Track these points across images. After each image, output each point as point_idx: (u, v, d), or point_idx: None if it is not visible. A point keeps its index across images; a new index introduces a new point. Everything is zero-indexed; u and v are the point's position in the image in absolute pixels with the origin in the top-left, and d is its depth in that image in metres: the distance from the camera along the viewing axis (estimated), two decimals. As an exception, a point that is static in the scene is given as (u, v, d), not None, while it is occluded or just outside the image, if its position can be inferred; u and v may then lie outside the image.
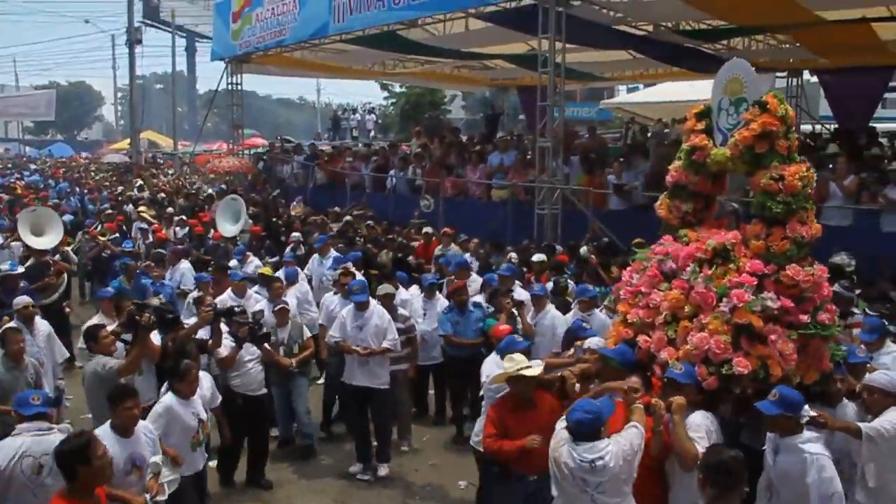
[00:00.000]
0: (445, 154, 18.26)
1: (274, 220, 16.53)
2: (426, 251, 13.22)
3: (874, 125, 17.59)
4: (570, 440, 4.88)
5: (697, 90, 22.51)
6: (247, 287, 10.16)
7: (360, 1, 16.83)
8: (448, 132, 22.08)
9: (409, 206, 16.71)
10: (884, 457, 5.24)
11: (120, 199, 21.94)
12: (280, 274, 10.70)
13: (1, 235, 14.50)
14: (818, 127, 20.32)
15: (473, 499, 7.95)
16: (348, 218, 15.72)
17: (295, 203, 19.19)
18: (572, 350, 7.08)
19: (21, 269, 10.84)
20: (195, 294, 10.34)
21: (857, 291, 8.51)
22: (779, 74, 20.59)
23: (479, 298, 9.76)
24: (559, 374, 6.03)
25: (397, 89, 40.96)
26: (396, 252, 12.88)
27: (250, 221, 15.61)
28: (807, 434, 4.83)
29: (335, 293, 10.04)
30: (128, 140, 42.97)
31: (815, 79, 20.80)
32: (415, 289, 10.57)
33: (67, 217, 17.40)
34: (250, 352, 8.25)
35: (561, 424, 5.07)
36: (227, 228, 14.86)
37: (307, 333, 9.24)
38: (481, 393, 7.04)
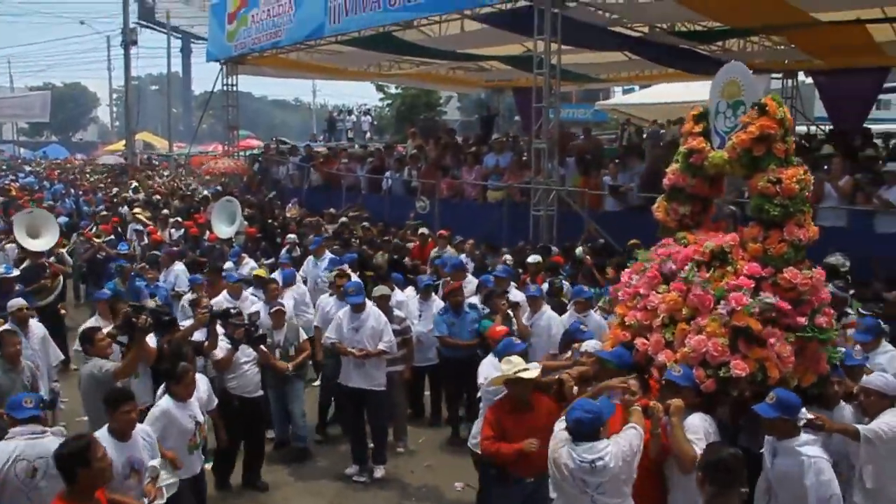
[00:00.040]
0: (441, 155, 18.26)
1: (269, 221, 16.52)
2: (422, 252, 13.22)
3: (869, 126, 17.62)
4: (569, 441, 4.89)
5: (693, 91, 22.54)
6: (242, 289, 10.16)
7: (356, 2, 16.83)
8: (444, 133, 22.09)
9: (404, 207, 16.69)
10: (882, 459, 5.25)
11: (115, 200, 21.92)
12: (276, 275, 10.69)
13: (-4, 238, 14.49)
14: (813, 128, 20.35)
15: (469, 501, 7.97)
16: (344, 219, 15.72)
17: (290, 205, 19.18)
18: (570, 352, 7.08)
19: (16, 272, 10.81)
20: (189, 296, 10.34)
21: (851, 292, 8.54)
22: (774, 76, 20.62)
23: (475, 300, 9.76)
24: (557, 376, 6.03)
25: (393, 91, 40.94)
26: (392, 254, 12.88)
27: (246, 223, 15.61)
28: (804, 437, 4.84)
29: (331, 295, 10.03)
30: (123, 141, 42.97)
31: (809, 80, 20.83)
32: (410, 290, 10.57)
33: (62, 219, 17.34)
34: (246, 354, 8.23)
35: (559, 426, 5.07)
36: (223, 230, 14.86)
37: (303, 336, 9.23)
38: (479, 395, 7.05)
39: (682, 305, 5.68)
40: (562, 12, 13.19)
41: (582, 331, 7.53)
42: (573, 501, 4.93)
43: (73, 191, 26.68)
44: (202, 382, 6.95)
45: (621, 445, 4.84)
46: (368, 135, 36.39)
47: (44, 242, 12.86)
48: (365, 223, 15.72)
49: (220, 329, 8.08)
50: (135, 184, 26.02)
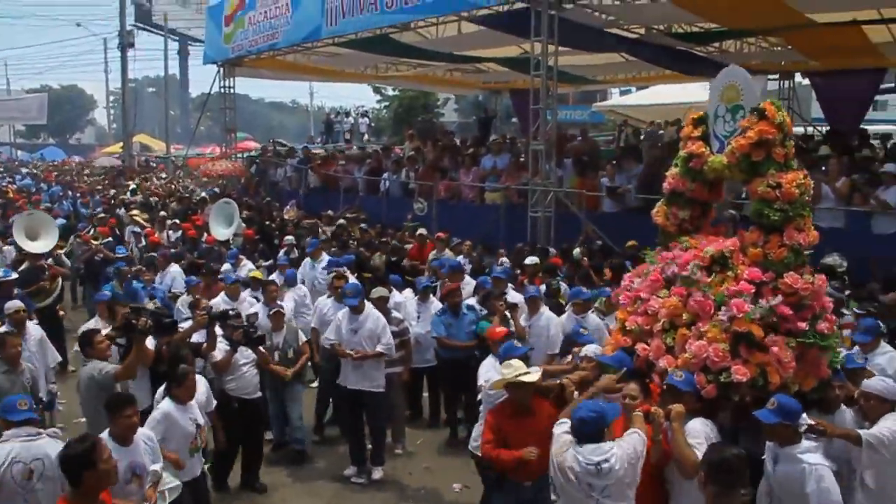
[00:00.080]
0: (439, 157, 18.27)
1: (267, 223, 16.52)
2: (421, 253, 13.22)
3: (865, 127, 17.66)
4: (573, 443, 4.89)
5: (689, 93, 22.66)
6: (240, 290, 10.16)
7: (353, 4, 16.84)
8: (442, 135, 22.10)
9: (402, 209, 16.71)
10: (885, 463, 5.25)
11: (112, 202, 21.90)
12: (276, 276, 10.70)
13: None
14: (810, 129, 20.38)
15: (467, 502, 7.97)
16: (341, 221, 15.72)
17: (288, 206, 19.20)
18: (570, 357, 7.09)
19: (15, 275, 10.81)
20: (185, 298, 10.35)
21: (847, 292, 8.55)
22: (770, 77, 20.65)
23: (473, 301, 9.77)
24: (558, 381, 6.03)
25: (390, 92, 40.95)
26: (390, 255, 12.89)
27: (243, 225, 15.62)
28: (805, 444, 4.84)
29: (329, 296, 10.03)
30: (120, 143, 42.93)
31: (806, 81, 20.88)
32: (408, 292, 10.57)
33: (60, 221, 17.32)
34: (245, 355, 8.23)
35: (560, 429, 5.07)
36: (221, 232, 14.86)
37: (302, 338, 9.22)
38: (479, 397, 7.05)
39: (682, 311, 5.68)
40: (559, 14, 13.21)
41: (582, 333, 7.54)
42: None
43: (70, 193, 26.62)
44: (201, 384, 6.94)
45: (626, 448, 4.84)
46: (366, 136, 36.41)
47: (43, 244, 12.86)
48: (363, 225, 15.73)
49: (218, 331, 8.08)
50: (133, 185, 25.98)
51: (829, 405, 5.65)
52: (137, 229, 16.81)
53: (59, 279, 12.50)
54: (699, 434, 5.07)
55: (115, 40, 38.43)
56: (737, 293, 5.44)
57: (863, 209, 11.08)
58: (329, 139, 33.87)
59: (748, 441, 5.32)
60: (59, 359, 9.48)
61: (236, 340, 8.09)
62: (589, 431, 4.84)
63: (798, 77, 20.77)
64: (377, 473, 8.63)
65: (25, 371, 7.40)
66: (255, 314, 9.11)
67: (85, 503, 4.45)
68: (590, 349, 6.57)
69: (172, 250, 14.12)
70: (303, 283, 11.74)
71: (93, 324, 8.63)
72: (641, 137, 20.27)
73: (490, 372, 6.72)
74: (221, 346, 8.07)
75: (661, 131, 19.98)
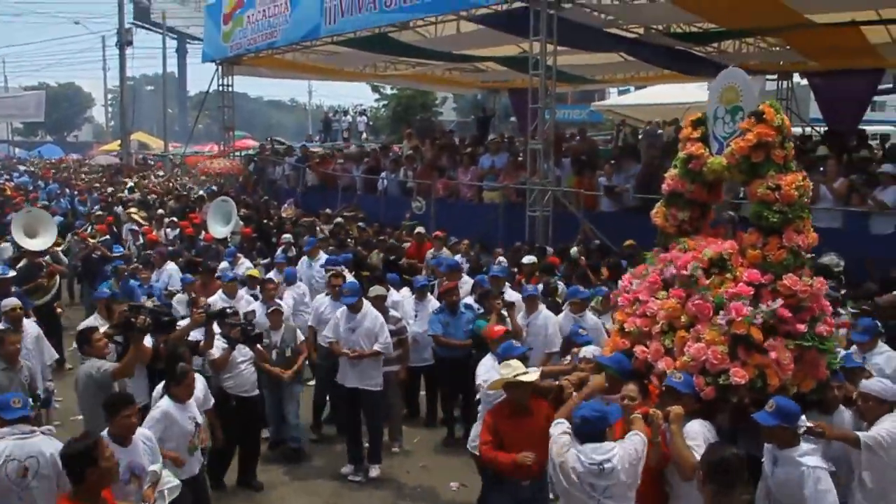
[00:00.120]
0: (437, 156, 18.27)
1: (265, 221, 16.51)
2: (418, 252, 13.22)
3: (863, 128, 17.68)
4: (574, 443, 4.89)
5: (688, 93, 22.70)
6: (237, 288, 10.16)
7: (352, 3, 16.82)
8: (441, 134, 22.09)
9: (400, 207, 16.71)
10: (882, 465, 5.26)
11: (110, 200, 21.88)
12: (273, 274, 10.70)
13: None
14: (808, 129, 20.40)
15: (464, 500, 7.99)
16: (339, 220, 15.71)
17: (286, 205, 19.18)
18: (569, 357, 7.09)
19: (12, 273, 10.80)
20: (181, 296, 10.34)
21: (842, 291, 8.56)
22: (769, 77, 20.70)
23: (470, 300, 9.77)
24: (557, 382, 6.02)
25: (388, 91, 40.96)
26: (387, 254, 12.89)
27: (241, 223, 15.61)
28: (804, 446, 4.84)
29: (326, 295, 10.03)
30: (118, 141, 42.87)
31: (805, 81, 20.89)
32: (406, 290, 10.57)
33: (57, 219, 17.31)
34: (243, 353, 8.23)
35: (558, 429, 5.06)
36: (218, 230, 14.86)
37: (300, 337, 9.22)
38: (478, 397, 7.06)
39: (680, 313, 5.68)
40: (557, 13, 13.20)
41: (580, 334, 7.54)
42: None
43: (68, 191, 26.59)
44: (199, 382, 6.93)
45: (627, 449, 4.84)
46: (364, 135, 36.45)
47: (41, 242, 12.86)
48: (361, 223, 15.72)
49: (216, 329, 8.08)
50: (131, 183, 25.96)
51: (828, 406, 5.67)
52: (135, 227, 16.78)
53: (57, 277, 12.50)
54: (698, 436, 5.08)
55: (114, 38, 38.42)
56: (735, 295, 5.44)
57: (860, 209, 11.09)
58: (327, 138, 33.91)
59: (747, 442, 5.32)
60: (56, 356, 9.48)
61: (234, 338, 8.09)
62: (591, 431, 4.84)
63: (797, 77, 20.79)
64: (374, 472, 8.63)
65: (24, 368, 7.40)
66: (253, 312, 9.12)
67: (87, 501, 4.44)
68: (588, 350, 6.58)
69: (170, 248, 14.11)
70: (300, 281, 11.73)
71: (91, 321, 8.63)
72: (640, 137, 20.27)
73: (489, 372, 6.71)
74: (219, 344, 8.07)
75: (660, 130, 19.97)
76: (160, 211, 18.46)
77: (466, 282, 10.56)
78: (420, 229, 13.84)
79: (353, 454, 8.71)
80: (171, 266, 12.37)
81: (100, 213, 18.08)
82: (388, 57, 21.44)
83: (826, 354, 5.53)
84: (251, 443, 8.40)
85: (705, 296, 5.56)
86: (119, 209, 19.68)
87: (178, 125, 58.39)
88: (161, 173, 31.97)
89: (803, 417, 4.97)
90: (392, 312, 9.23)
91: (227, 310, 8.45)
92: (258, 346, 8.45)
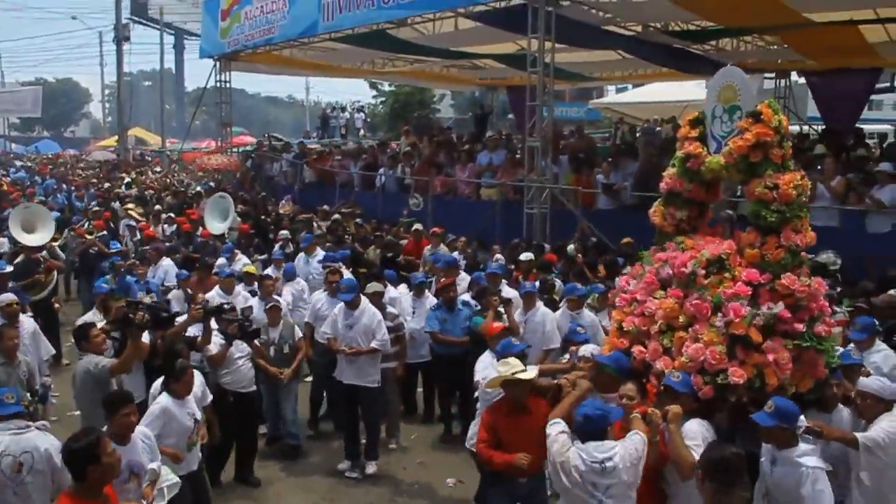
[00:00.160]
0: (435, 153, 18.27)
1: (262, 218, 16.51)
2: (416, 249, 13.22)
3: (861, 126, 17.70)
4: (575, 441, 4.89)
5: (686, 91, 22.72)
6: (234, 284, 10.15)
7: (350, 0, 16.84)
8: (438, 131, 22.08)
9: (398, 204, 16.71)
10: (881, 466, 5.28)
11: (107, 196, 21.85)
12: (271, 270, 10.69)
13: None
14: (806, 128, 20.42)
15: (461, 497, 8.00)
16: (337, 216, 15.70)
17: (283, 201, 19.16)
18: (567, 356, 7.10)
19: (10, 268, 10.80)
20: (176, 292, 10.33)
21: (838, 289, 8.58)
22: (767, 75, 20.69)
23: (467, 297, 9.77)
24: (555, 381, 6.03)
25: (386, 88, 40.94)
26: (384, 250, 12.89)
27: (238, 219, 15.59)
28: (803, 447, 4.84)
29: (324, 291, 10.03)
30: (115, 137, 42.84)
31: (802, 80, 20.89)
32: (403, 287, 10.57)
33: (54, 214, 17.29)
34: (240, 349, 8.23)
35: (555, 429, 5.06)
36: (216, 226, 14.83)
37: (299, 334, 9.21)
38: (476, 394, 7.06)
39: (678, 313, 5.67)
40: (555, 11, 13.21)
41: (578, 332, 7.55)
42: None
43: (65, 186, 26.53)
44: (196, 378, 6.92)
45: (628, 448, 4.84)
46: (362, 132, 36.40)
47: (39, 237, 12.84)
48: (358, 220, 15.72)
49: (213, 325, 8.07)
50: (128, 179, 25.93)
51: (827, 404, 5.67)
52: (132, 223, 16.77)
53: (55, 272, 12.49)
54: (696, 435, 5.07)
55: (111, 34, 38.31)
56: (734, 296, 5.43)
57: (857, 208, 11.10)
58: (325, 134, 33.82)
59: (745, 442, 5.32)
60: (53, 351, 9.49)
61: (231, 334, 8.08)
62: (593, 429, 4.84)
63: (794, 76, 20.81)
64: (371, 468, 8.64)
65: (22, 364, 7.41)
66: (250, 307, 9.09)
67: (89, 497, 4.43)
68: (587, 349, 6.57)
69: (167, 244, 14.10)
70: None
71: (90, 317, 8.62)
72: (637, 135, 20.28)
73: (487, 369, 6.72)
74: (216, 340, 8.06)
75: (658, 128, 19.98)
76: (157, 207, 18.46)
77: (464, 279, 10.57)
78: (418, 226, 13.83)
79: (351, 450, 8.71)
80: (166, 262, 12.36)
81: (97, 208, 18.05)
82: (386, 54, 21.46)
83: (824, 354, 5.53)
84: (248, 439, 8.40)
85: (703, 296, 5.55)
86: (116, 205, 19.65)
87: (175, 121, 58.28)
88: (158, 169, 31.94)
89: (802, 418, 4.97)
90: (389, 309, 9.22)
91: (225, 306, 8.44)
92: (255, 342, 8.45)
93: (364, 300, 8.67)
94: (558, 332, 8.68)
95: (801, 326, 5.36)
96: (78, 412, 7.03)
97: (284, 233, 13.96)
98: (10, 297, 8.74)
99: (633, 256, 7.62)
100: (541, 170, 13.79)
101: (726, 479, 4.33)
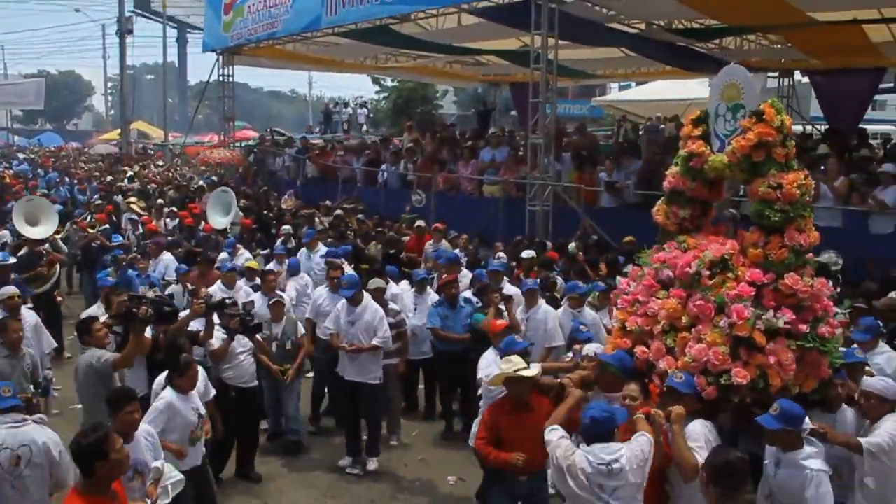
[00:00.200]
0: (437, 149, 18.25)
1: (265, 212, 16.50)
2: (418, 245, 13.22)
3: (864, 127, 17.68)
4: (581, 444, 4.88)
5: (689, 89, 22.70)
6: (236, 278, 10.16)
7: (353, -6, 16.82)
8: (441, 127, 22.06)
9: (400, 200, 16.70)
10: (886, 469, 5.27)
11: (110, 189, 21.85)
12: (272, 266, 10.69)
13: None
14: (809, 128, 20.40)
15: (462, 494, 8.01)
16: (339, 212, 15.70)
17: (286, 196, 19.15)
18: (570, 354, 7.10)
19: (13, 260, 10.81)
20: (175, 287, 10.33)
21: (838, 290, 8.56)
22: (770, 74, 20.69)
23: (469, 294, 9.78)
24: (559, 380, 6.03)
25: (389, 83, 40.86)
26: (386, 246, 12.89)
27: (241, 214, 15.60)
28: (808, 449, 4.84)
29: (326, 287, 10.03)
30: (118, 130, 42.79)
31: (806, 79, 20.89)
32: (405, 283, 10.57)
33: (57, 207, 17.31)
34: (242, 344, 8.23)
35: (555, 435, 5.04)
36: (218, 220, 14.84)
37: (301, 330, 9.21)
38: (479, 392, 7.07)
39: (682, 313, 5.66)
40: (559, 7, 13.20)
41: (581, 331, 7.55)
42: None
43: (67, 179, 26.55)
44: (199, 373, 6.93)
45: (634, 450, 4.83)
46: (364, 127, 36.35)
47: (42, 230, 12.86)
48: (360, 216, 15.72)
49: (215, 319, 8.08)
50: (130, 172, 25.92)
51: (831, 405, 5.66)
52: (135, 217, 16.76)
53: (57, 266, 12.50)
54: (699, 437, 5.07)
55: (114, 26, 38.34)
56: (737, 297, 5.42)
57: (860, 209, 11.09)
58: (327, 129, 33.80)
59: (748, 442, 5.32)
60: (55, 345, 9.49)
61: (233, 329, 8.09)
62: (600, 431, 4.82)
63: (798, 75, 20.78)
64: (372, 465, 8.65)
65: (26, 356, 7.41)
66: (252, 302, 9.11)
67: (97, 493, 4.42)
68: (591, 348, 6.57)
69: (169, 238, 14.11)
70: (300, 272, 11.73)
71: (94, 310, 8.63)
72: (640, 133, 20.26)
73: (491, 366, 6.73)
74: (218, 335, 8.07)
75: (662, 126, 19.96)
76: (160, 201, 18.45)
77: (465, 276, 10.57)
78: (420, 223, 13.83)
79: (352, 447, 8.72)
80: (167, 256, 12.38)
81: (99, 202, 18.07)
82: (389, 49, 21.44)
83: (828, 355, 5.52)
84: (250, 434, 8.41)
85: (707, 296, 5.54)
86: (118, 198, 19.65)
87: (178, 115, 58.29)
88: (161, 163, 31.91)
89: (807, 420, 4.97)
90: (391, 305, 9.24)
91: (227, 300, 8.45)
92: (257, 336, 8.45)
93: (366, 297, 8.67)
94: (560, 329, 8.68)
95: (804, 327, 5.36)
96: (80, 406, 7.04)
97: (286, 228, 13.96)
98: (11, 289, 8.75)
99: (634, 255, 7.62)
100: (543, 167, 13.78)
101: (730, 483, 4.33)
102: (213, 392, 7.25)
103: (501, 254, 11.87)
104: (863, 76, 17.78)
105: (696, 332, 5.52)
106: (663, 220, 6.47)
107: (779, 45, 17.35)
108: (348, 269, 10.27)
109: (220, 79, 24.16)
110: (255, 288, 10.05)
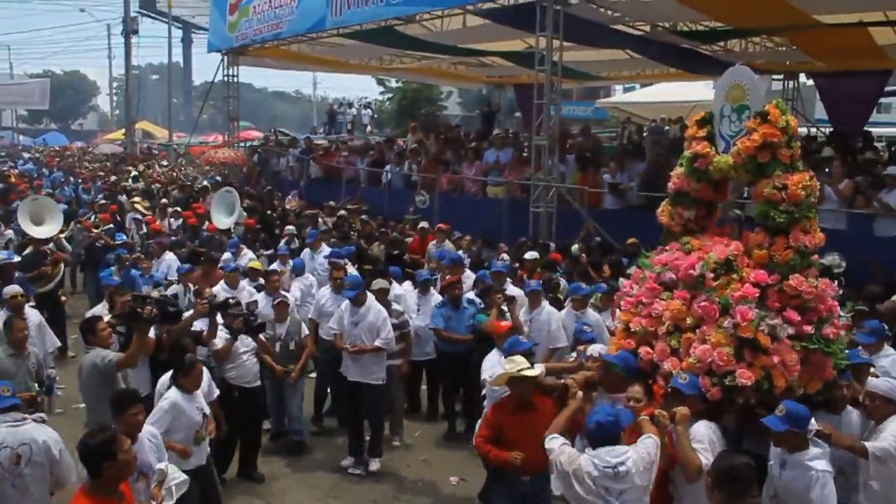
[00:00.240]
0: (441, 150, 18.26)
1: (268, 213, 16.52)
2: (422, 247, 13.22)
3: (869, 129, 17.64)
4: (586, 448, 4.87)
5: (694, 91, 22.68)
6: (239, 278, 10.17)
7: (358, -5, 16.84)
8: (445, 128, 22.07)
9: (404, 201, 16.69)
10: (891, 473, 5.26)
11: (114, 189, 21.88)
12: (275, 266, 10.70)
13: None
14: (813, 130, 20.37)
15: (464, 495, 8.01)
16: (343, 212, 15.71)
17: (290, 196, 19.17)
18: (574, 354, 7.10)
19: (17, 258, 10.83)
20: (176, 287, 10.34)
21: (840, 291, 8.54)
22: (775, 77, 20.63)
23: (471, 295, 9.77)
24: (563, 381, 6.03)
25: (394, 84, 40.90)
26: (389, 247, 12.89)
27: (245, 214, 15.61)
28: (814, 450, 4.83)
29: (329, 287, 10.03)
30: (122, 130, 42.88)
31: (811, 82, 20.85)
32: (408, 284, 10.57)
33: (61, 207, 17.34)
34: (245, 343, 8.24)
35: (556, 443, 5.03)
36: (222, 220, 14.86)
37: (305, 331, 9.21)
38: (484, 392, 7.07)
39: (686, 314, 5.66)
40: (564, 9, 13.20)
41: (585, 331, 7.55)
42: None
43: (72, 179, 26.58)
44: (203, 373, 6.94)
45: (641, 452, 4.82)
46: (369, 128, 36.34)
47: (48, 229, 12.87)
48: (364, 216, 15.72)
49: (219, 319, 8.08)
50: (135, 172, 25.95)
51: (836, 406, 5.65)
52: (139, 216, 16.79)
53: (62, 265, 12.51)
54: (703, 438, 5.06)
55: (119, 27, 38.32)
56: (742, 298, 5.41)
57: (865, 212, 11.06)
58: (332, 130, 33.81)
59: (753, 443, 5.32)
60: (58, 344, 9.52)
61: (236, 329, 8.10)
62: (606, 435, 4.81)
63: (802, 77, 20.75)
64: (374, 465, 8.65)
65: (31, 355, 7.42)
66: (255, 302, 9.11)
67: (105, 494, 4.40)
68: (595, 349, 6.57)
69: (173, 238, 14.12)
70: (303, 273, 11.73)
71: (99, 310, 8.63)
72: (644, 134, 20.25)
73: (495, 367, 6.73)
74: (222, 335, 8.08)
75: (666, 127, 19.94)
76: (164, 200, 18.45)
77: (469, 277, 10.56)
78: (424, 224, 13.83)
79: (354, 447, 8.72)
80: (169, 256, 12.40)
81: (103, 201, 18.12)
82: (394, 50, 21.47)
83: (832, 356, 5.51)
84: (252, 434, 8.41)
85: (711, 297, 5.53)
86: (123, 198, 19.68)
87: (182, 115, 58.38)
88: (165, 163, 31.90)
89: (812, 421, 4.96)
90: (395, 306, 9.24)
91: (230, 300, 8.46)
92: (260, 336, 8.46)
93: (370, 297, 8.67)
94: (564, 331, 8.68)
95: (809, 328, 5.36)
96: (83, 405, 7.05)
97: (290, 228, 13.97)
98: (15, 288, 8.75)
99: (637, 256, 7.63)
100: (547, 168, 13.78)
101: (736, 488, 4.33)
102: (216, 392, 7.25)
103: (505, 255, 11.86)
104: (868, 79, 17.74)
105: (701, 333, 5.51)
106: (668, 221, 6.47)
107: (783, 48, 17.34)
108: (352, 270, 10.27)
109: (225, 79, 24.20)
110: (259, 288, 10.05)
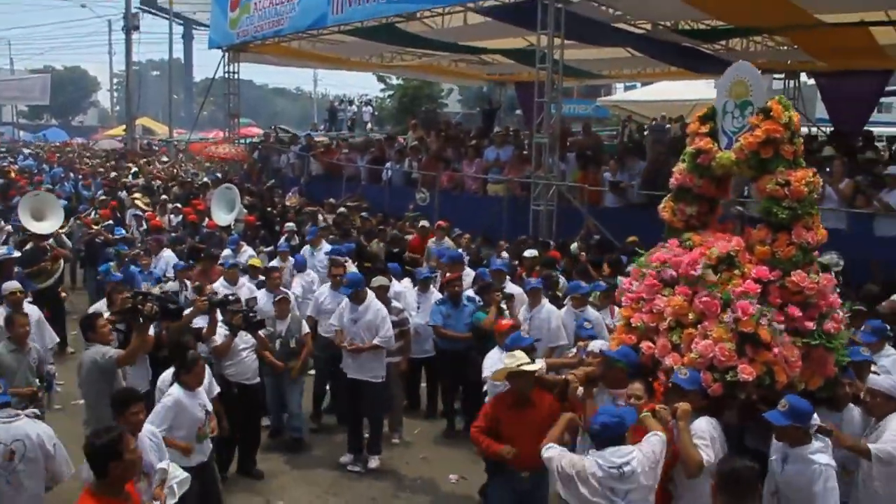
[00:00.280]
0: (442, 147, 18.24)
1: (269, 209, 16.51)
2: (422, 245, 13.21)
3: (870, 129, 17.62)
4: (591, 449, 4.86)
5: (695, 90, 22.67)
6: (238, 275, 10.17)
7: (359, -8, 16.82)
8: (446, 126, 22.05)
9: (404, 198, 16.68)
10: (894, 474, 5.26)
11: (114, 185, 21.86)
12: (275, 263, 10.69)
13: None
14: (814, 129, 20.35)
15: (463, 492, 8.01)
16: (343, 209, 15.70)
17: (290, 193, 19.16)
18: (574, 350, 7.09)
19: (17, 254, 10.82)
20: (172, 284, 10.33)
21: (837, 290, 8.54)
22: (776, 76, 20.61)
23: (470, 293, 9.76)
24: (563, 377, 6.02)
25: (394, 82, 40.87)
26: (389, 245, 12.88)
27: (245, 211, 15.61)
28: (816, 445, 4.84)
29: (328, 284, 10.02)
30: (123, 126, 42.86)
31: (812, 81, 20.84)
32: (407, 281, 10.56)
33: (61, 202, 17.33)
34: (245, 340, 8.24)
35: (555, 451, 5.01)
36: (222, 217, 14.86)
37: (305, 329, 9.21)
38: (485, 388, 7.07)
39: (687, 310, 5.66)
40: (565, 7, 13.17)
41: (585, 328, 7.55)
42: None
43: (72, 175, 26.54)
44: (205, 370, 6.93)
45: (645, 451, 4.81)
46: (369, 125, 36.34)
47: (48, 225, 12.87)
48: (364, 213, 15.71)
49: (218, 316, 8.08)
50: (135, 168, 25.94)
51: (838, 403, 5.66)
52: (139, 213, 16.78)
53: (61, 261, 12.50)
54: (705, 433, 5.06)
55: (120, 22, 38.36)
56: (743, 294, 5.41)
57: (865, 211, 11.05)
58: (332, 127, 33.81)
59: (754, 439, 5.32)
60: (57, 340, 9.51)
61: (236, 325, 8.09)
62: (610, 436, 4.80)
63: (804, 77, 20.74)
64: (374, 462, 8.65)
65: (32, 351, 7.41)
66: (255, 298, 9.10)
67: (110, 494, 4.38)
68: (596, 344, 6.57)
69: (173, 235, 14.12)
70: (303, 269, 11.73)
71: (99, 306, 8.63)
72: (645, 133, 20.24)
73: (496, 365, 6.73)
74: (221, 331, 8.08)
75: (667, 125, 19.94)
76: (164, 197, 18.45)
77: (468, 274, 10.55)
78: (424, 223, 13.82)
79: (353, 444, 8.73)
80: (167, 253, 12.39)
81: (103, 197, 18.09)
82: (395, 47, 21.45)
83: (833, 352, 5.51)
84: (252, 431, 8.41)
85: (713, 293, 5.53)
86: (123, 194, 19.66)
87: (183, 111, 58.43)
88: (165, 159, 31.95)
89: (815, 416, 4.96)
90: (394, 303, 9.23)
91: (230, 297, 8.46)
92: (259, 333, 8.45)
93: (370, 295, 8.66)
94: (564, 329, 8.67)
95: (810, 324, 5.36)
96: (82, 401, 7.04)
97: (290, 225, 13.97)
98: (14, 284, 8.76)
99: (636, 254, 7.63)
100: (548, 166, 13.76)
101: (738, 491, 4.33)
102: (217, 389, 7.24)
103: (505, 253, 11.85)
104: (869, 78, 17.73)
105: (703, 329, 5.51)
106: (670, 217, 6.47)
107: (785, 47, 17.33)
108: (351, 267, 10.26)
109: (226, 75, 24.15)
110: (259, 285, 10.05)
